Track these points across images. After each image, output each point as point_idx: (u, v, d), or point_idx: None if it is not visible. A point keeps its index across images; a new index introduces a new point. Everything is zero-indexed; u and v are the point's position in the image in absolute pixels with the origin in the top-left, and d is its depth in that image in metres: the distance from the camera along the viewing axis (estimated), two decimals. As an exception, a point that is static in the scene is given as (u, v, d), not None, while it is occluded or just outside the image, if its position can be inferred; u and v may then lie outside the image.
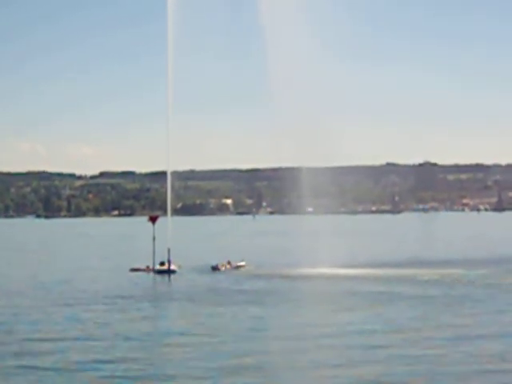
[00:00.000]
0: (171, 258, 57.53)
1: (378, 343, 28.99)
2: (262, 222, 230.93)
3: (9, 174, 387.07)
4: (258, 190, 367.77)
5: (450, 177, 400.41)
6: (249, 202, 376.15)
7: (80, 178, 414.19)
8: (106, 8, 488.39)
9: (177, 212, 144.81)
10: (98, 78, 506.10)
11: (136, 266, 61.92)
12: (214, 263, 60.90)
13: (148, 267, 59.91)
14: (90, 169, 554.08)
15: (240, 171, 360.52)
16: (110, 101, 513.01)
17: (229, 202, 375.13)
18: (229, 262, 61.45)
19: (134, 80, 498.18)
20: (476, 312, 36.74)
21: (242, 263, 62.12)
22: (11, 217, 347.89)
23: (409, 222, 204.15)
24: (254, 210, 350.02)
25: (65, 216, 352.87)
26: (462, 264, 60.42)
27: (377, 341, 29.46)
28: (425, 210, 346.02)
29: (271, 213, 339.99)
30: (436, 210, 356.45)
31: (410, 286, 48.01)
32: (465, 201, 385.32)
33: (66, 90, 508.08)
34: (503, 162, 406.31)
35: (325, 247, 56.65)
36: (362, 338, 30.27)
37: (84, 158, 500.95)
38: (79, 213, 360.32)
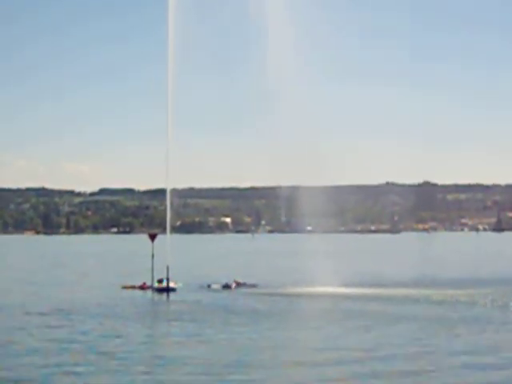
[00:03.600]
0: (170, 276, 56.49)
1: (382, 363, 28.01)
2: (262, 240, 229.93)
3: (7, 190, 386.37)
4: (257, 209, 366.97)
5: (450, 197, 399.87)
6: (247, 220, 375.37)
7: (79, 194, 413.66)
8: (103, 23, 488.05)
9: (176, 230, 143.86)
10: (96, 94, 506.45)
11: (129, 283, 60.85)
12: (223, 282, 59.90)
13: (144, 284, 58.87)
14: (89, 186, 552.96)
15: (238, 189, 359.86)
16: (108, 118, 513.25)
17: (228, 220, 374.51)
18: (236, 281, 60.45)
19: (132, 97, 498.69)
20: (485, 332, 35.83)
21: (248, 282, 61.13)
22: (10, 233, 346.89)
23: (409, 241, 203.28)
24: (252, 228, 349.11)
25: (64, 233, 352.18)
26: (466, 284, 59.50)
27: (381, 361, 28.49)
28: (426, 230, 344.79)
29: (270, 231, 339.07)
30: (435, 229, 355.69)
31: (415, 306, 47.06)
32: (464, 221, 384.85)
33: (64, 107, 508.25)
34: (503, 182, 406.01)
35: (327, 266, 55.82)
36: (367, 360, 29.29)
37: (83, 175, 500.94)
38: (78, 230, 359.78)
